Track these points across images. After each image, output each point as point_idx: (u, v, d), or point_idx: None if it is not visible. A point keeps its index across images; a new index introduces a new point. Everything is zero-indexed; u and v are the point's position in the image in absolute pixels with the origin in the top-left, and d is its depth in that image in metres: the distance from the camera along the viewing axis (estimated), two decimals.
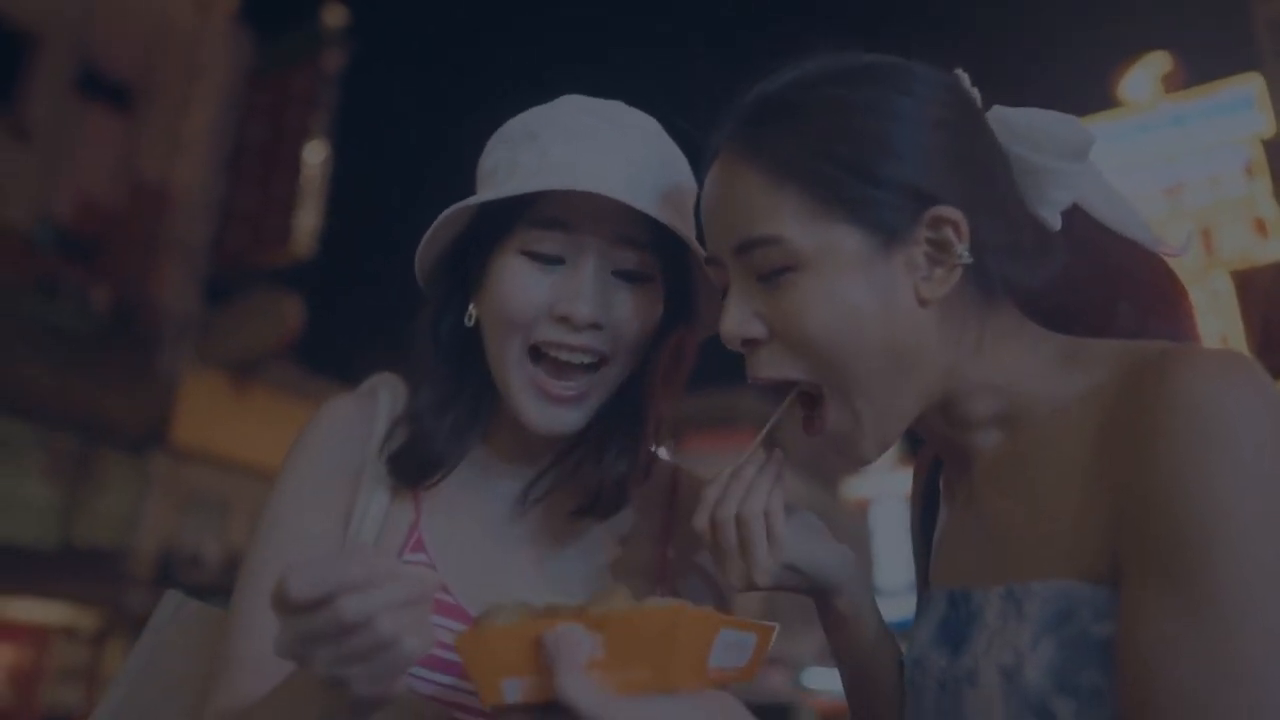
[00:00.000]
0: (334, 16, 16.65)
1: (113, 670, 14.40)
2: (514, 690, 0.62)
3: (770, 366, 0.81)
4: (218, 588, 15.98)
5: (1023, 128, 0.82)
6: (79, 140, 14.39)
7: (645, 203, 0.90)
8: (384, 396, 1.02)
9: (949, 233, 0.76)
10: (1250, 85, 14.21)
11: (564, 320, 0.90)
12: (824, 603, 0.91)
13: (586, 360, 0.93)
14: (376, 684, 0.63)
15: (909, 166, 0.76)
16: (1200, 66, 15.39)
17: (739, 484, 0.86)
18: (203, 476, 17.16)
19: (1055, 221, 0.83)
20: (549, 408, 0.93)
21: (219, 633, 0.95)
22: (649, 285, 0.96)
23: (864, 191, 0.75)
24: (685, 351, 1.03)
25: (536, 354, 0.93)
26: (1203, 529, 0.61)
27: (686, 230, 0.95)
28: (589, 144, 0.92)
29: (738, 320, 0.81)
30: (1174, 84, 15.03)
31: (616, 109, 0.98)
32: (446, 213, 0.94)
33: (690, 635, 0.62)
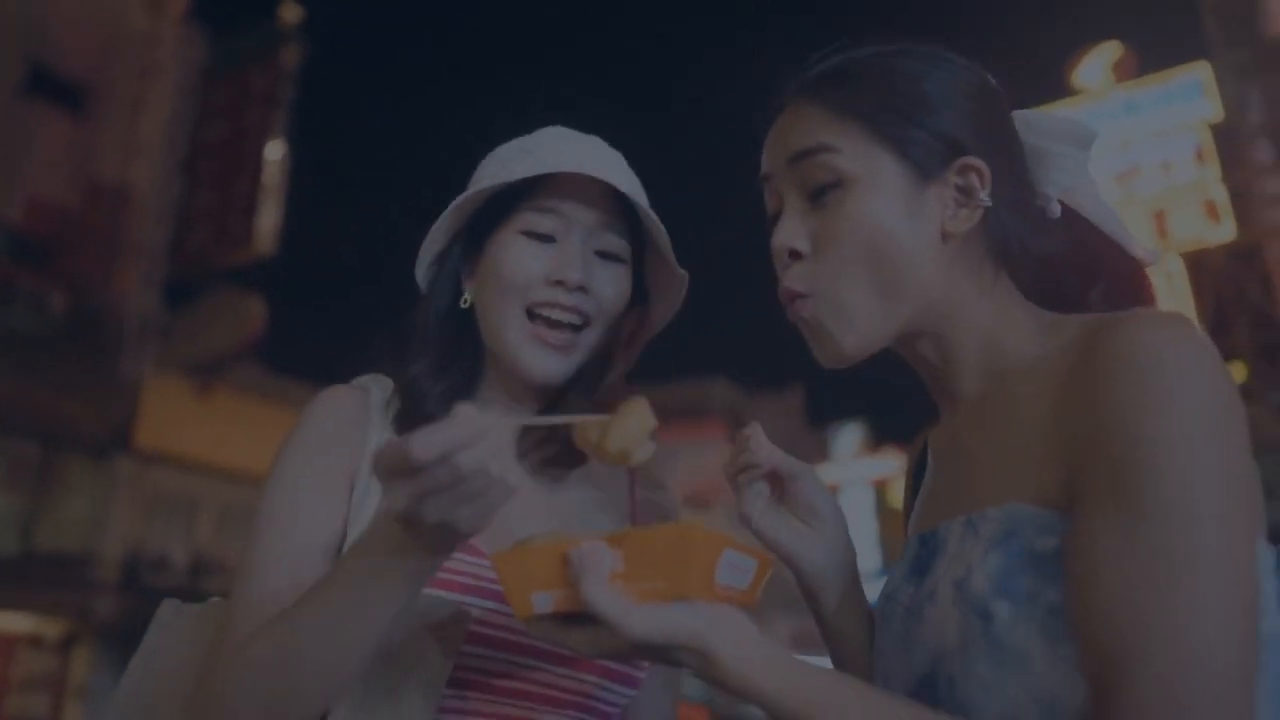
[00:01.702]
0: (290, 13, 16.49)
1: (80, 678, 14.22)
2: (543, 602, 0.71)
3: (802, 280, 0.91)
4: (186, 590, 15.81)
5: (1035, 121, 0.96)
6: (30, 142, 14.15)
7: (623, 188, 1.10)
8: (375, 391, 1.11)
9: (974, 179, 0.88)
10: (1199, 73, 14.50)
11: (558, 284, 1.08)
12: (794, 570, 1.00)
13: (574, 321, 1.09)
14: (481, 520, 0.74)
15: (946, 121, 0.89)
16: (1151, 55, 15.68)
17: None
18: (168, 479, 16.96)
19: (1055, 208, 0.95)
20: (545, 355, 1.08)
21: (217, 620, 1.00)
22: (622, 266, 1.14)
23: (909, 132, 0.89)
24: (641, 328, 1.22)
25: (531, 316, 1.09)
26: (1142, 458, 0.70)
27: (650, 216, 1.13)
28: (575, 147, 1.12)
29: (789, 232, 0.92)
30: (1126, 72, 15.30)
31: (592, 137, 1.18)
32: (459, 200, 1.12)
33: (699, 550, 0.69)
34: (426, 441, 0.68)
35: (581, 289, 1.08)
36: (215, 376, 16.76)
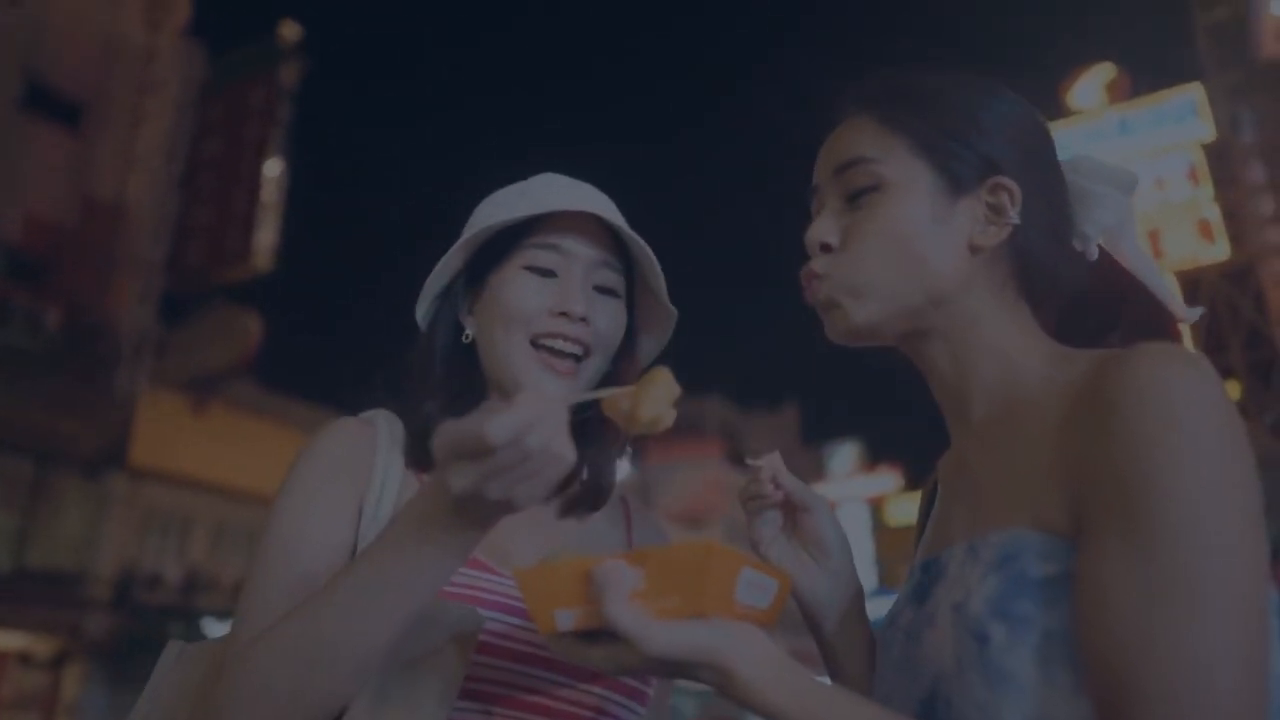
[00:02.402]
0: (290, 31, 16.57)
1: (71, 696, 14.11)
2: (566, 619, 0.72)
3: (824, 265, 0.96)
4: (179, 608, 15.74)
5: (1080, 162, 0.99)
6: (27, 159, 14.17)
7: (622, 226, 1.17)
8: (382, 424, 1.14)
9: (1005, 198, 0.92)
10: (1192, 94, 14.60)
11: (562, 316, 1.13)
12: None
13: (576, 351, 1.14)
14: (538, 495, 0.77)
15: (986, 143, 0.93)
16: (1145, 76, 15.80)
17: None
18: (162, 496, 16.90)
19: (1094, 249, 0.97)
20: (552, 379, 1.12)
21: (218, 657, 0.99)
22: (619, 301, 1.20)
23: (949, 147, 0.93)
24: (630, 364, 1.27)
25: (535, 346, 1.14)
26: (1151, 485, 0.71)
27: (648, 254, 1.18)
28: (571, 190, 1.20)
29: (822, 227, 0.97)
30: (1120, 93, 15.42)
31: (583, 182, 1.25)
32: (466, 238, 1.17)
33: (717, 568, 0.70)
34: (501, 425, 0.71)
35: (584, 320, 1.13)
36: (211, 393, 16.74)
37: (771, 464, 1.01)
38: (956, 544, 0.87)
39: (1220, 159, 14.34)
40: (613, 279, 1.18)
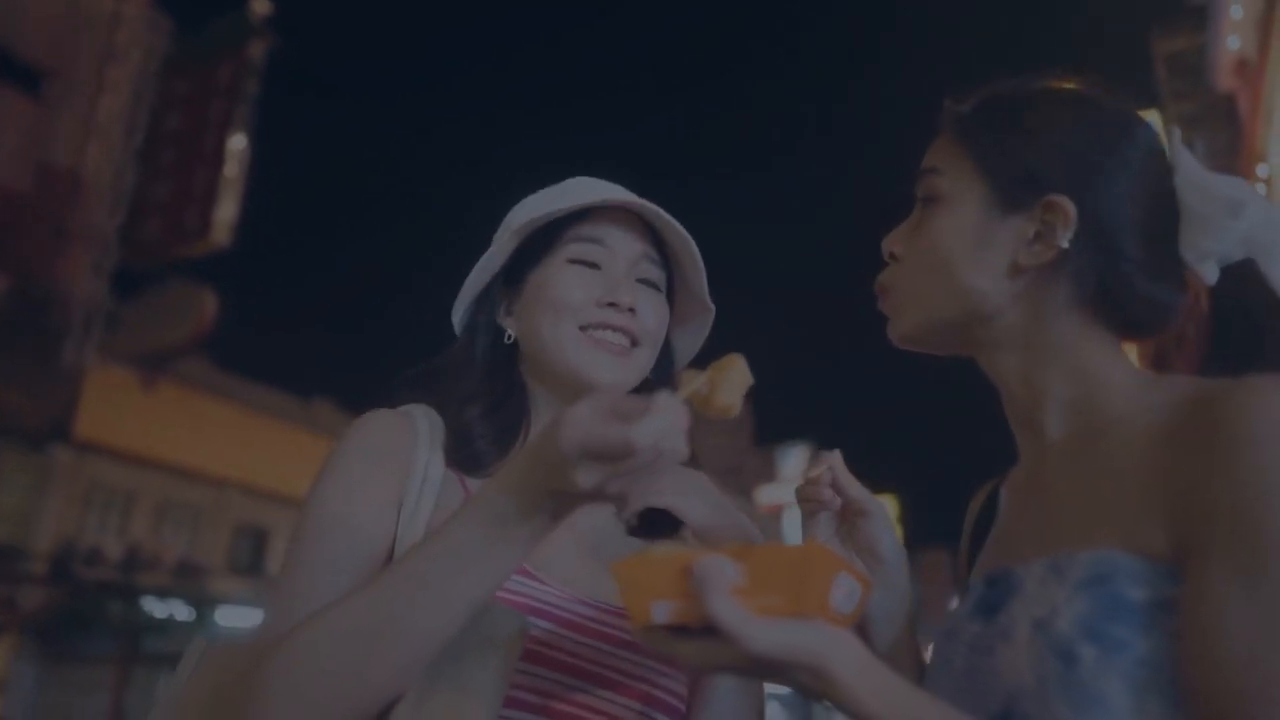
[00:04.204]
0: (260, 6, 16.34)
1: (2, 670, 13.82)
2: (662, 612, 0.72)
3: (885, 277, 1.00)
4: (118, 585, 15.45)
5: (1196, 176, 0.94)
6: None
7: (664, 216, 1.17)
8: (421, 419, 1.11)
9: (1058, 218, 0.91)
10: (1150, 120, 14.90)
11: (610, 305, 1.13)
12: None
13: (624, 342, 1.14)
14: (643, 489, 0.80)
15: (1049, 160, 0.93)
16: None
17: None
18: (106, 471, 16.59)
19: (1210, 273, 0.94)
20: (607, 359, 1.12)
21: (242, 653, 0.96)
22: (661, 295, 1.21)
23: (1004, 163, 0.94)
24: (670, 364, 1.27)
25: (584, 331, 1.13)
26: (1263, 517, 0.72)
27: (691, 248, 1.19)
28: (609, 188, 1.19)
29: (892, 237, 1.01)
30: None
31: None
32: (506, 235, 1.18)
33: (821, 570, 0.70)
34: (647, 431, 0.73)
35: (631, 311, 1.13)
36: (162, 369, 16.46)
37: (833, 466, 0.99)
38: (1033, 560, 0.85)
39: None
40: (655, 273, 1.19)
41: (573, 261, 1.15)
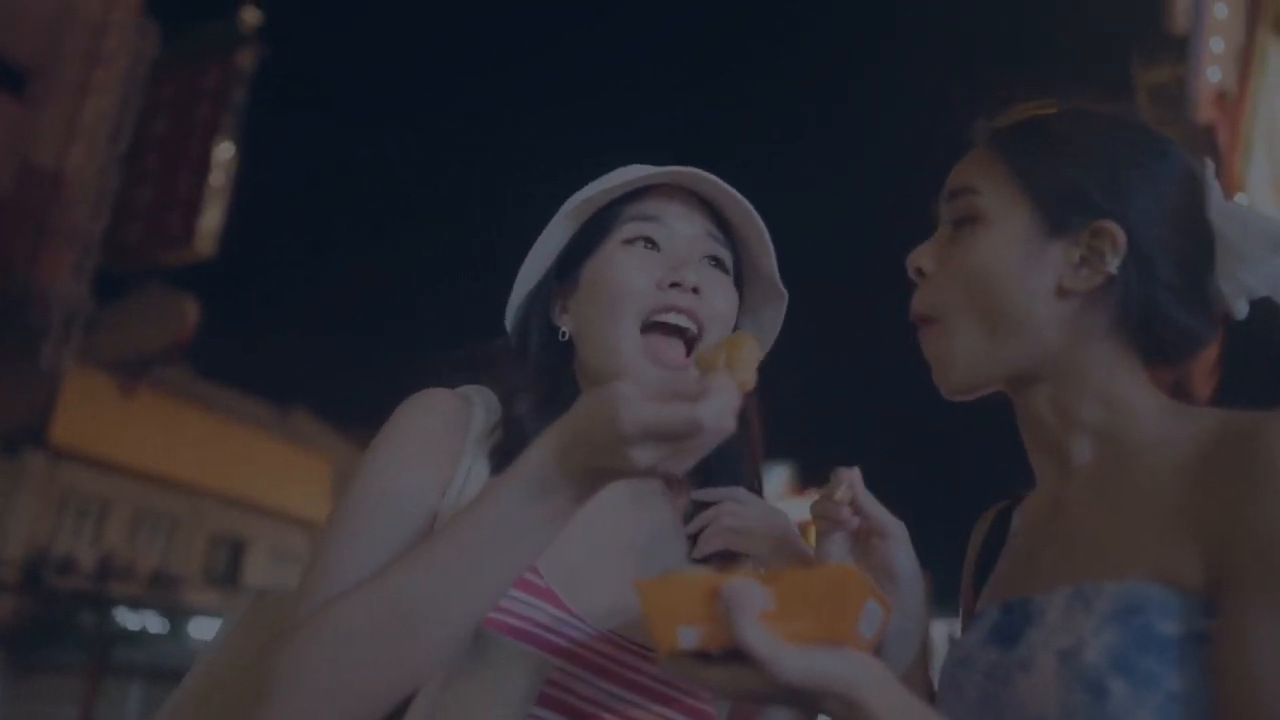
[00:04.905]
0: (250, 15, 16.35)
1: None
2: (689, 637, 0.69)
3: (924, 302, 0.97)
4: (90, 595, 15.29)
5: (1234, 213, 0.93)
6: None
7: (725, 188, 1.08)
8: (478, 401, 1.06)
9: (1106, 244, 0.89)
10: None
11: (673, 286, 1.04)
12: None
13: (690, 326, 1.05)
14: (691, 461, 0.77)
15: (1098, 184, 0.91)
16: None
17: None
18: (80, 478, 16.42)
19: (1240, 308, 0.93)
20: (660, 372, 1.04)
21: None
22: (728, 277, 1.11)
23: (1052, 185, 0.92)
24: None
25: (645, 330, 1.05)
26: None
27: (758, 224, 1.11)
28: (662, 171, 1.11)
29: (920, 252, 0.98)
30: None
31: None
32: (556, 221, 1.11)
33: (854, 596, 0.67)
34: (714, 411, 0.73)
35: (696, 291, 1.05)
36: (140, 375, 16.34)
37: (853, 484, 0.96)
38: (1055, 588, 0.84)
39: None
40: (720, 250, 1.10)
41: (630, 242, 1.07)
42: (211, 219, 15.52)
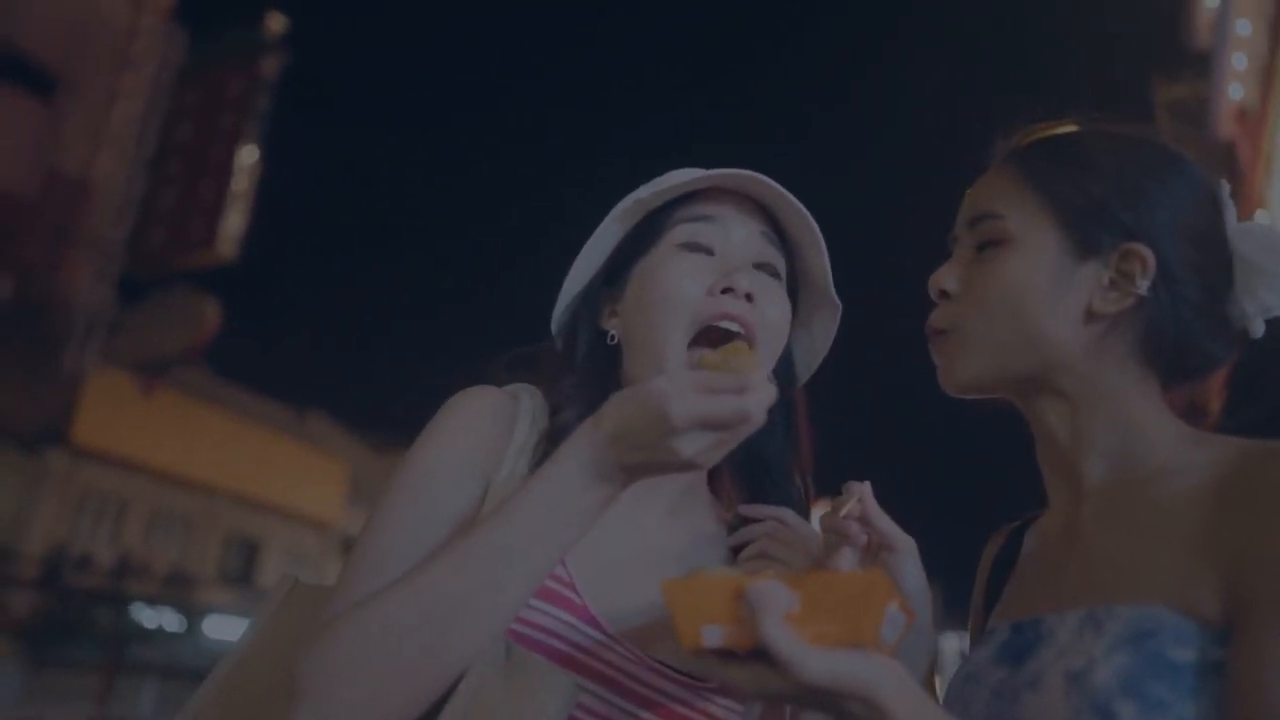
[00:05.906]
0: (275, 23, 16.53)
1: None
2: (713, 636, 0.69)
3: (944, 319, 0.96)
4: (108, 592, 15.39)
5: (1254, 233, 0.92)
6: None
7: (778, 189, 1.06)
8: (525, 399, 1.05)
9: (1135, 266, 0.88)
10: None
11: (726, 292, 1.01)
12: None
13: (741, 334, 1.02)
14: (720, 455, 0.80)
15: (1126, 206, 0.90)
16: None
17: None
18: (101, 477, 16.56)
19: (1257, 327, 0.92)
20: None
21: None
22: (781, 284, 1.07)
23: (1081, 208, 0.91)
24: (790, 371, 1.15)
25: (694, 344, 1.02)
26: None
27: (812, 227, 1.07)
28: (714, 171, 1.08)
29: (944, 274, 0.97)
30: None
31: None
32: (608, 221, 1.09)
33: (879, 600, 0.67)
34: (760, 402, 0.75)
35: (749, 297, 1.01)
36: (161, 376, 16.49)
37: (862, 499, 0.96)
38: (1066, 609, 0.84)
39: None
40: (774, 255, 1.07)
41: (682, 246, 1.04)
42: (233, 223, 15.68)
